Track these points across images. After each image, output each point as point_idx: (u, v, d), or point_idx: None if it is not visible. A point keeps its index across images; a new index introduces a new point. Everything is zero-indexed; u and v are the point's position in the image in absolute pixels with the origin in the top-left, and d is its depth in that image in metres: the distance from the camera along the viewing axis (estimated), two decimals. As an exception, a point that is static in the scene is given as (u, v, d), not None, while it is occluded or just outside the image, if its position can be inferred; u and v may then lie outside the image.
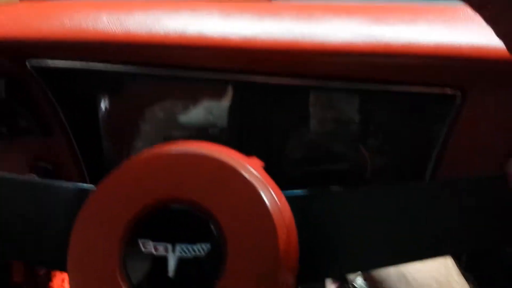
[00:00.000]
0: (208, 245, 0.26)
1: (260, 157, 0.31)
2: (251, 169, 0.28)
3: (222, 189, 0.27)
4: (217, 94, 0.54)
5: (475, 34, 0.41)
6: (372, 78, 0.47)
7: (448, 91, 0.46)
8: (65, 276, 0.88)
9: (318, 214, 0.29)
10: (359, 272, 0.45)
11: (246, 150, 0.31)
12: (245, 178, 0.27)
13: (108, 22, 0.44)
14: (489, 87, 0.44)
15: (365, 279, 0.42)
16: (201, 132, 0.55)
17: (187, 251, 0.26)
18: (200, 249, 0.26)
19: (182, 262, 0.26)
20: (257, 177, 0.28)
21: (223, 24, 0.44)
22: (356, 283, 0.46)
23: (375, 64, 0.43)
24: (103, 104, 0.57)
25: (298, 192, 0.30)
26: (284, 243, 0.26)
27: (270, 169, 0.30)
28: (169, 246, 0.26)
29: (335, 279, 0.46)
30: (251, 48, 0.43)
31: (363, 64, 0.43)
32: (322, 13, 0.44)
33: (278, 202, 0.27)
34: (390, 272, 0.40)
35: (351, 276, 0.46)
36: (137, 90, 0.56)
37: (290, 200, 0.29)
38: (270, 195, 0.27)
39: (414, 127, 0.53)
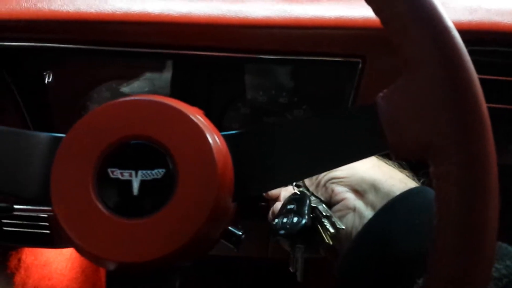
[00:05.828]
0: (164, 170, 0.33)
1: None
2: (196, 114, 0.35)
3: (173, 128, 0.34)
4: (160, 68, 0.60)
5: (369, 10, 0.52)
6: (292, 51, 0.55)
7: (351, 59, 0.56)
8: (21, 255, 0.89)
9: (247, 147, 0.36)
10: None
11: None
12: (191, 119, 0.34)
13: (61, 3, 0.50)
14: (382, 54, 0.55)
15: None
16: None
17: (147, 175, 0.33)
18: (157, 173, 0.33)
19: (143, 184, 0.33)
20: (200, 119, 0.35)
21: (162, 3, 0.52)
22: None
23: (289, 36, 0.52)
24: (55, 81, 0.61)
25: (231, 132, 0.37)
26: (221, 169, 0.33)
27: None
28: (133, 172, 0.33)
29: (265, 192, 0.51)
30: (186, 22, 0.51)
31: (280, 36, 0.52)
32: (244, -7, 0.53)
33: (216, 138, 0.35)
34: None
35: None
36: (87, 66, 0.61)
37: (226, 137, 0.36)
38: (211, 133, 0.35)
39: (331, 87, 0.63)
